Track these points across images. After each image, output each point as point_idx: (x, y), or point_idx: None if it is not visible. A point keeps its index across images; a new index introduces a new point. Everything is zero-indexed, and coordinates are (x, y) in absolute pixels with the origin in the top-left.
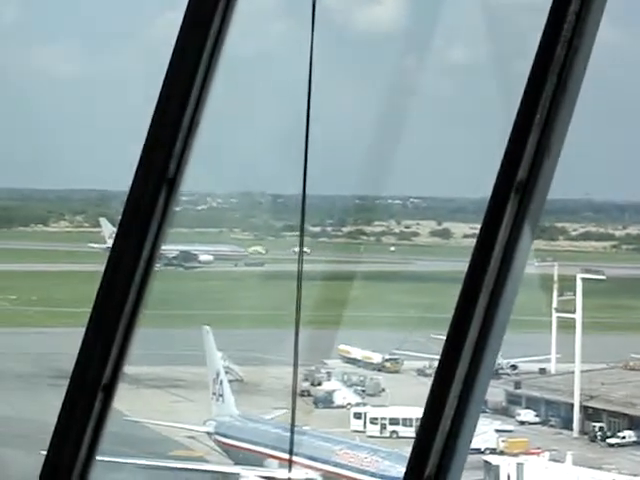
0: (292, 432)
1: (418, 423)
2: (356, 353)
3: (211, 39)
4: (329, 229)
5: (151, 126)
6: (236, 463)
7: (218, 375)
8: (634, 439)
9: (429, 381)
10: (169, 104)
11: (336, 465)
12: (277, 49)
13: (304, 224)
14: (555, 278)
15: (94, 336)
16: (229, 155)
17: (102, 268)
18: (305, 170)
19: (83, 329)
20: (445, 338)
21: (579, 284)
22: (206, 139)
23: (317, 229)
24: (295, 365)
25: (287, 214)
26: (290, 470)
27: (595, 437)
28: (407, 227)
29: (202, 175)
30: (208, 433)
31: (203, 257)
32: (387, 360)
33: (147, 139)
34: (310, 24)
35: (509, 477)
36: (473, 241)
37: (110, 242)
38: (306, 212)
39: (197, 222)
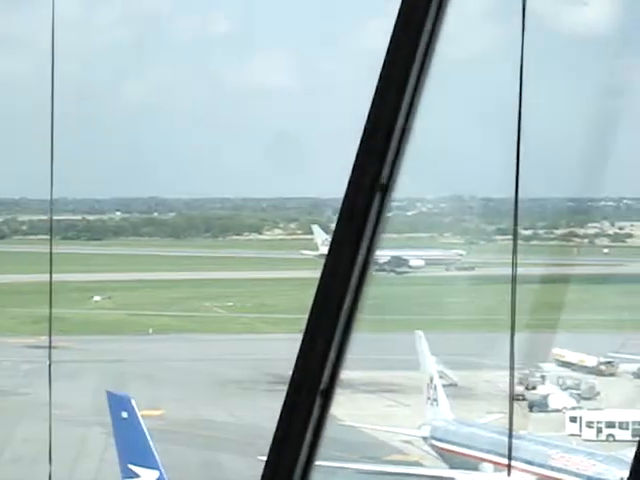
0: (510, 436)
1: (636, 426)
2: (570, 357)
3: (423, 44)
4: (541, 232)
5: (364, 132)
6: (451, 467)
7: (432, 380)
8: None
9: None
10: (382, 110)
11: (552, 469)
12: (487, 51)
13: (517, 227)
14: None
15: (312, 341)
16: (439, 160)
17: (315, 275)
18: (517, 173)
19: (297, 335)
20: None
21: None
22: (416, 144)
23: (529, 232)
24: (511, 369)
25: (498, 217)
26: (509, 474)
27: None
28: (621, 228)
29: (412, 180)
30: (423, 437)
31: (414, 262)
32: (602, 363)
33: (361, 145)
34: (516, 26)
35: None
36: None
37: (323, 249)
38: (518, 215)
39: (407, 227)
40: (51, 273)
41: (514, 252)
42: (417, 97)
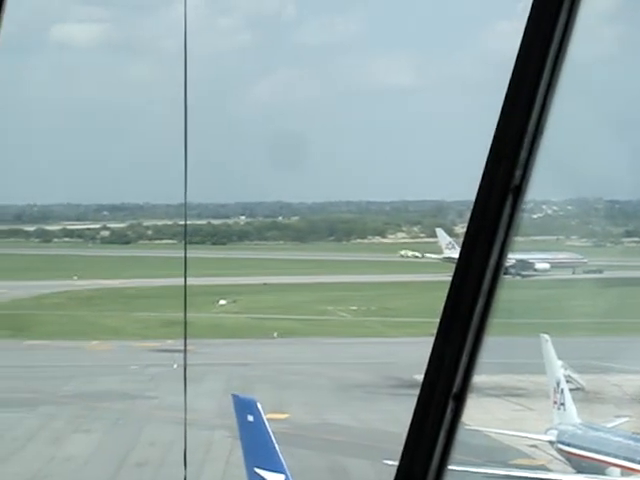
0: None
1: None
2: None
3: (554, 45)
4: None
5: (496, 133)
6: (578, 471)
7: (559, 384)
8: None
9: None
10: (514, 111)
11: None
12: (615, 52)
13: None
14: None
15: (444, 345)
16: (565, 161)
17: (438, 278)
18: None
19: (421, 338)
20: None
21: None
22: (542, 145)
23: None
24: None
25: (624, 220)
26: None
27: None
28: None
29: (538, 182)
30: (550, 442)
31: (540, 265)
32: None
33: (492, 147)
34: None
35: None
36: None
37: (446, 252)
38: None
39: (533, 230)
40: (185, 276)
41: None
42: (549, 99)
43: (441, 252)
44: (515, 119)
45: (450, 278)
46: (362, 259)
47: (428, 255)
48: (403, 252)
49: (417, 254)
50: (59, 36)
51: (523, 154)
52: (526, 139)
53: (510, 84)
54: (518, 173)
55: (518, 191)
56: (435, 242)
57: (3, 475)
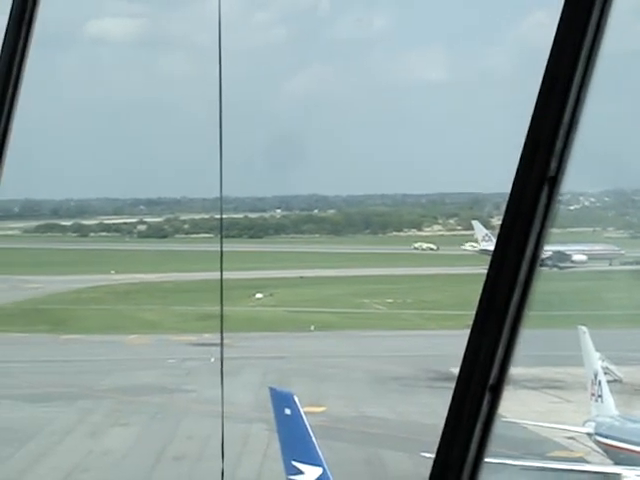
0: None
1: None
2: None
3: (589, 37)
4: None
5: (531, 125)
6: (616, 463)
7: (596, 376)
8: None
9: None
10: (549, 102)
11: None
12: None
13: None
14: None
15: (480, 337)
16: (602, 153)
17: (475, 270)
18: None
19: (458, 331)
20: None
21: None
22: (578, 136)
23: None
24: None
25: None
26: None
27: None
28: None
29: (575, 174)
30: (588, 434)
31: (577, 257)
32: None
33: (528, 137)
34: None
35: None
36: None
37: (483, 244)
38: None
39: (569, 222)
40: (222, 270)
41: None
42: (584, 89)
43: (478, 244)
44: (550, 110)
45: (484, 270)
46: (398, 252)
47: (463, 247)
48: (417, 244)
49: (432, 246)
50: (93, 32)
51: (558, 145)
52: (561, 130)
53: (545, 75)
54: (554, 164)
55: (554, 182)
56: (471, 235)
57: (42, 469)
